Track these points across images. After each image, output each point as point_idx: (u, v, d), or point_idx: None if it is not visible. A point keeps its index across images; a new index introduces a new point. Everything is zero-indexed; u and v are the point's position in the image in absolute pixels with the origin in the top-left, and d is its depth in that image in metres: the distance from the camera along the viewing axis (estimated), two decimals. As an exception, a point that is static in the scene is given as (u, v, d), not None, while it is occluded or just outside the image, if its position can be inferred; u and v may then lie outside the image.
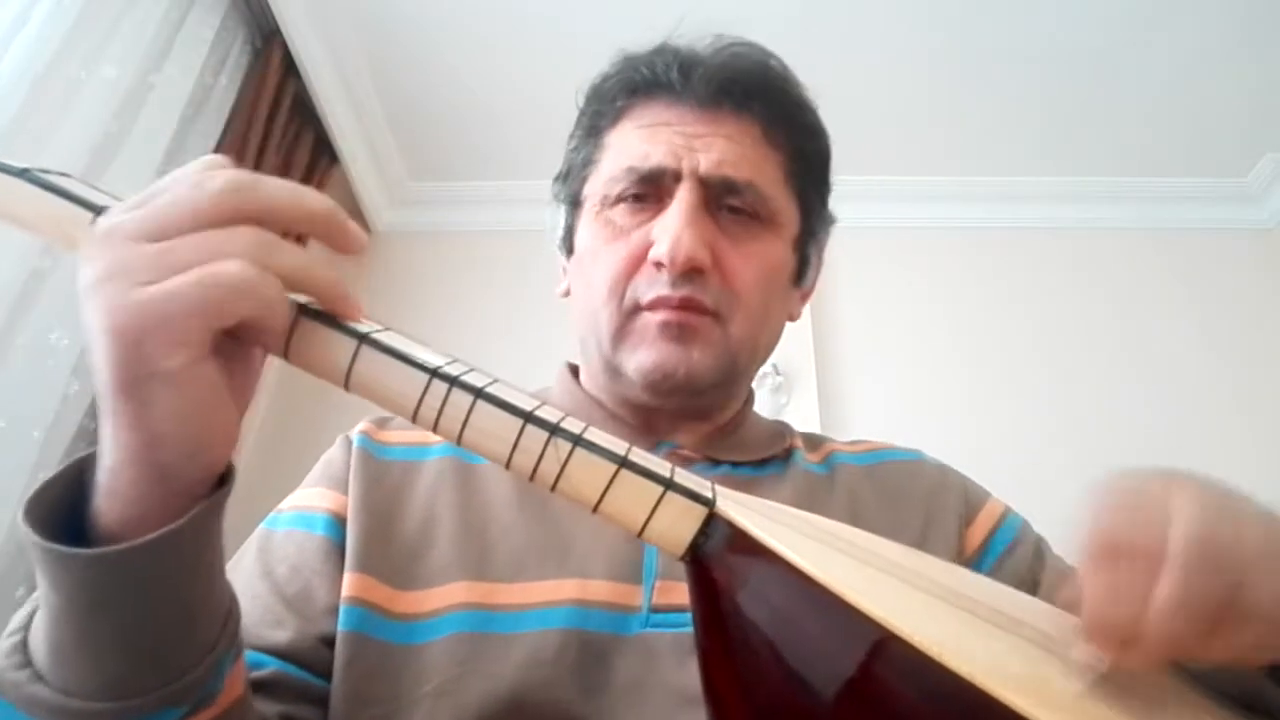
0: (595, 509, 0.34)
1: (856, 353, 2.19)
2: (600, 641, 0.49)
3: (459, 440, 0.34)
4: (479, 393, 0.33)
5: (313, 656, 0.50)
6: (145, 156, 1.52)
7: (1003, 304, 2.26)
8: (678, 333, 0.58)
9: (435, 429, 0.34)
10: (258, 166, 1.79)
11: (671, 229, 0.58)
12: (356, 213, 2.35)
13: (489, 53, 2.00)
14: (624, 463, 0.34)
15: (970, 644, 0.29)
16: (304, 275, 0.33)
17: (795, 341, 2.10)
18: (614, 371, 0.62)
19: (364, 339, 0.34)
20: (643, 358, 0.59)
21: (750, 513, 0.34)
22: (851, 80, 2.07)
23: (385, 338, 0.34)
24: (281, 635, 0.49)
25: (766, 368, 2.01)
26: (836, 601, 0.29)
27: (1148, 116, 2.16)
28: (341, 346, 0.33)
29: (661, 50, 0.64)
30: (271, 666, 0.48)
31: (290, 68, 1.94)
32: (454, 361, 0.35)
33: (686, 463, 0.61)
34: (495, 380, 0.35)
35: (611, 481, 0.33)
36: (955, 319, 2.23)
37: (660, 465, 0.35)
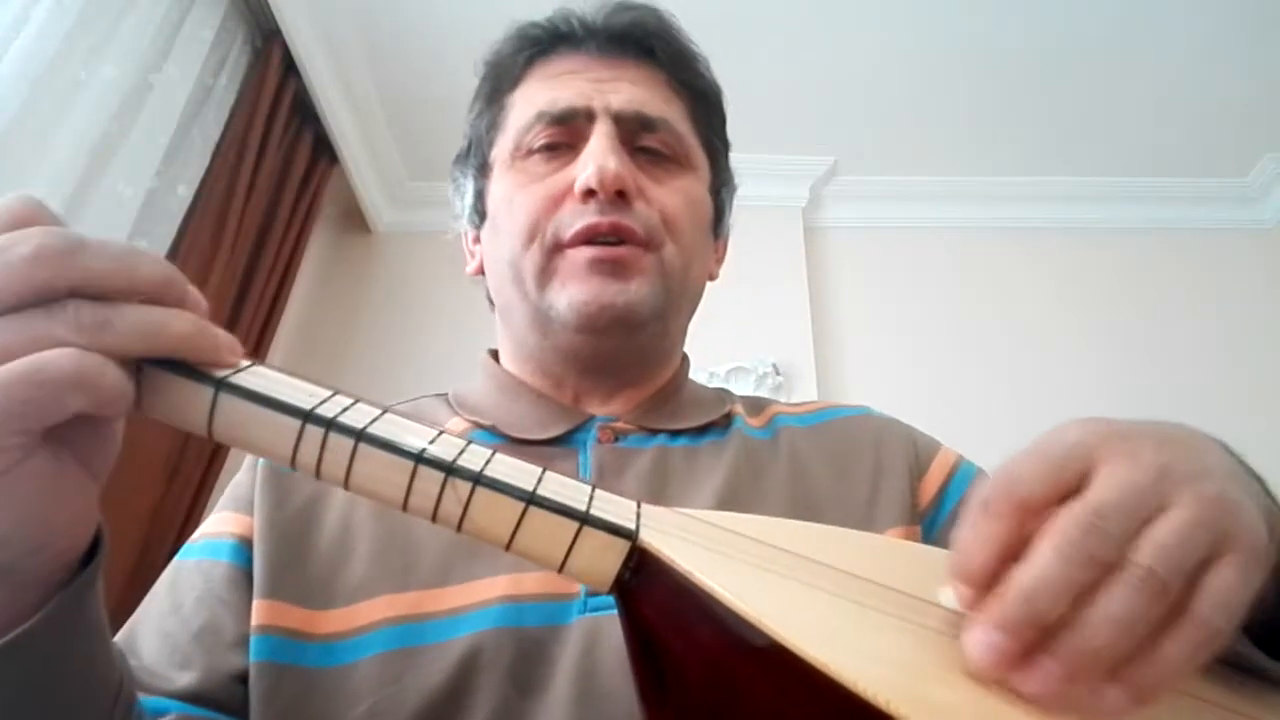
0: (508, 548, 0.31)
1: (856, 353, 2.19)
2: (537, 636, 0.46)
3: (346, 486, 0.30)
4: (359, 434, 0.30)
5: (223, 694, 0.46)
6: (145, 156, 1.52)
7: (1003, 304, 2.26)
8: (610, 268, 0.56)
9: (319, 476, 0.30)
10: (257, 167, 1.79)
11: (596, 154, 0.57)
12: (356, 213, 2.35)
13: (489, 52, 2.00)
14: (531, 499, 0.31)
15: (912, 677, 0.28)
16: (151, 342, 0.29)
17: (795, 342, 2.10)
18: (543, 320, 0.58)
19: (220, 384, 0.30)
20: (575, 293, 0.56)
21: (678, 541, 0.32)
22: (852, 81, 2.07)
23: (247, 379, 0.30)
24: (187, 677, 0.46)
25: (766, 367, 2.01)
26: (768, 640, 0.27)
27: (1148, 117, 2.16)
28: (197, 396, 0.30)
29: (557, 12, 0.65)
30: (175, 712, 0.45)
31: (290, 68, 1.94)
32: (333, 396, 0.31)
33: (621, 435, 0.59)
34: (383, 414, 0.31)
35: (520, 520, 0.31)
36: (955, 319, 2.23)
37: (576, 495, 0.32)
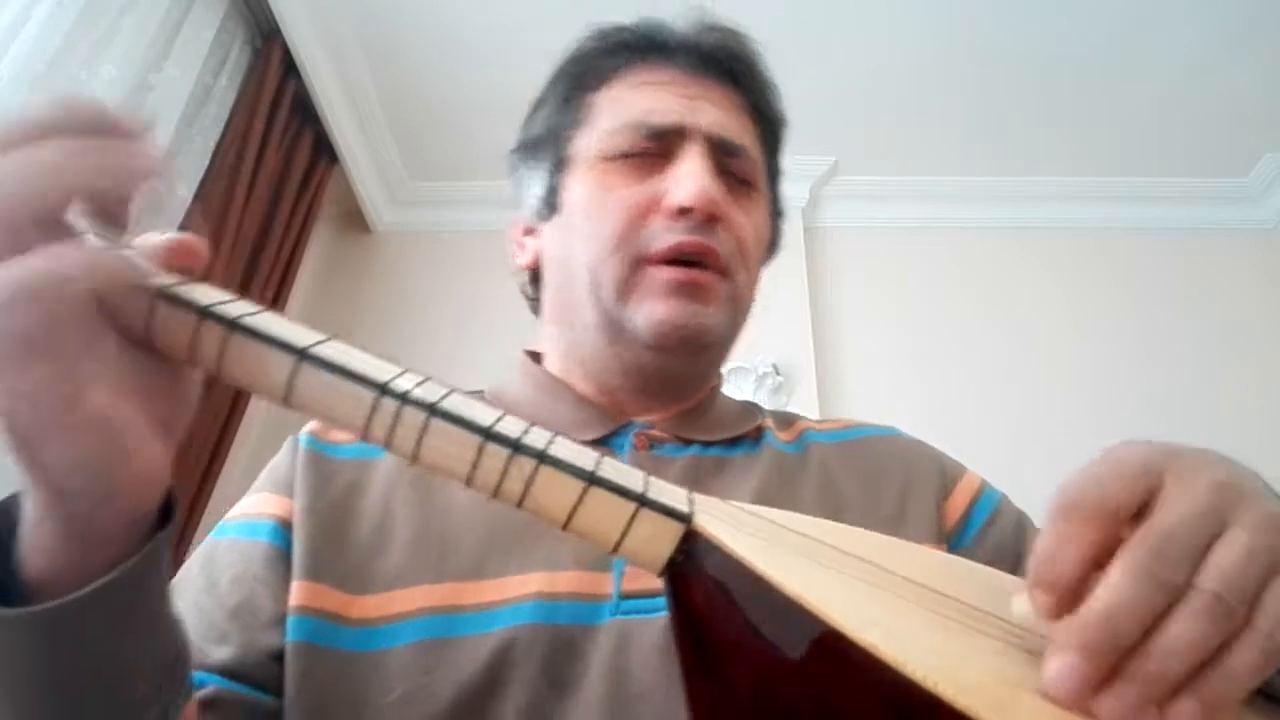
0: (565, 527, 0.32)
1: (856, 353, 2.19)
2: (570, 634, 0.47)
3: (414, 460, 0.32)
4: (432, 409, 0.31)
5: (259, 673, 0.47)
6: (145, 156, 1.52)
7: (1003, 304, 2.26)
8: (691, 290, 0.57)
9: (388, 448, 0.32)
10: (257, 166, 1.80)
11: (696, 175, 0.58)
12: (356, 213, 2.35)
13: (488, 52, 2.00)
14: (592, 479, 0.32)
15: (959, 664, 0.28)
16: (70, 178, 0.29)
17: (795, 342, 2.10)
18: (616, 330, 0.59)
19: (302, 355, 0.31)
20: (653, 310, 0.57)
21: (730, 528, 0.32)
22: (852, 81, 2.07)
23: (327, 351, 0.31)
24: (224, 652, 0.47)
25: (766, 367, 2.01)
26: (820, 625, 0.28)
27: (1148, 116, 2.16)
28: (278, 364, 0.31)
29: (646, 19, 0.65)
30: (213, 685, 0.45)
31: (290, 68, 1.94)
32: (405, 373, 0.32)
33: (656, 443, 0.60)
34: (451, 392, 0.32)
35: (580, 500, 0.32)
36: (954, 319, 2.23)
37: (633, 478, 0.33)
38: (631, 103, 0.62)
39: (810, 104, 2.14)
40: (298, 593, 0.49)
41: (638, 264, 0.58)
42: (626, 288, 0.58)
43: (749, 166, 0.63)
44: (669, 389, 0.63)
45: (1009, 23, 1.94)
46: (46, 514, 0.30)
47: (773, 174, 0.69)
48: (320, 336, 0.32)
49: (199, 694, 0.44)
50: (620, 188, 0.60)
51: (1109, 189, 2.36)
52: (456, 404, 0.32)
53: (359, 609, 0.49)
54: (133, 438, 0.30)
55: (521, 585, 0.49)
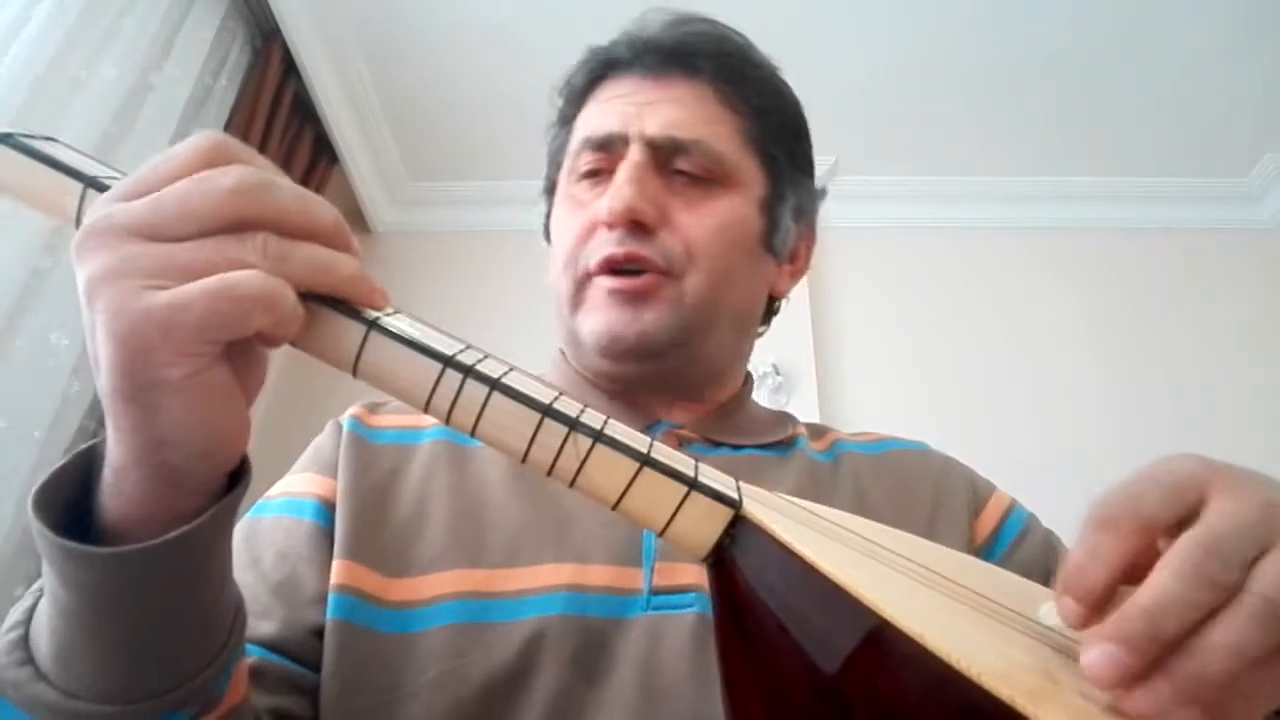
0: (614, 507, 0.32)
1: (856, 353, 2.19)
2: (600, 627, 0.48)
3: (473, 432, 0.32)
4: (495, 384, 0.31)
5: (301, 647, 0.48)
6: (145, 156, 1.51)
7: (1002, 304, 2.26)
8: (627, 298, 0.58)
9: (448, 420, 0.32)
10: (258, 166, 1.80)
11: (615, 186, 0.58)
12: (356, 213, 2.35)
13: (488, 52, 2.00)
14: (646, 460, 0.32)
15: (1003, 659, 0.28)
16: (323, 278, 0.31)
17: (795, 342, 2.10)
18: (575, 340, 0.62)
19: (373, 325, 0.31)
20: (593, 322, 0.59)
21: (777, 515, 0.33)
22: (854, 81, 2.07)
23: (396, 323, 0.32)
24: (268, 626, 0.48)
25: (766, 367, 2.01)
26: (869, 614, 0.28)
27: (1148, 116, 2.16)
28: (349, 332, 0.31)
29: (621, 34, 0.66)
30: (257, 655, 0.47)
31: (290, 68, 1.94)
32: (468, 348, 0.33)
33: (685, 442, 0.60)
34: (511, 369, 0.33)
35: (633, 480, 0.32)
36: (955, 319, 2.23)
37: (684, 463, 0.33)
38: (589, 121, 0.64)
39: (810, 104, 2.13)
40: (338, 571, 0.50)
41: (584, 279, 0.60)
42: (575, 302, 0.61)
43: (708, 161, 0.61)
44: (653, 391, 0.63)
45: (1009, 23, 1.94)
46: (139, 463, 0.31)
47: (771, 162, 0.65)
48: (391, 308, 0.33)
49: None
50: (577, 208, 0.62)
51: (1109, 189, 2.36)
52: (518, 380, 0.32)
53: (395, 591, 0.50)
54: (230, 398, 0.32)
55: (553, 575, 0.49)
